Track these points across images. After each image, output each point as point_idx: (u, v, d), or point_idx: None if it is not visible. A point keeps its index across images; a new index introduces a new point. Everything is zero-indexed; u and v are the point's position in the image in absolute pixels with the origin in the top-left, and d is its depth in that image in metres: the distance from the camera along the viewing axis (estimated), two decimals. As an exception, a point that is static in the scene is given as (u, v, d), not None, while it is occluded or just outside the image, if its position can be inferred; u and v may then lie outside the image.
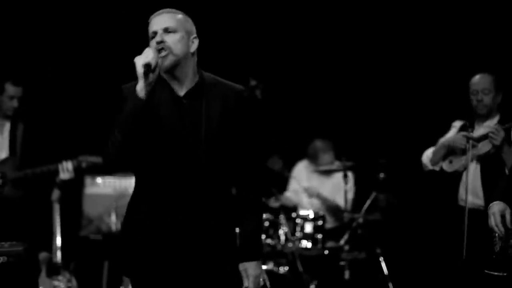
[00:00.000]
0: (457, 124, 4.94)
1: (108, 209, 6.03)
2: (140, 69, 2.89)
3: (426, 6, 6.55)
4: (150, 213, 3.00)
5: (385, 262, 5.91)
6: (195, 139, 2.98)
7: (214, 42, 6.72)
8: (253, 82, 5.76)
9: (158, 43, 2.98)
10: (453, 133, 4.90)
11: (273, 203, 5.99)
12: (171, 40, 2.98)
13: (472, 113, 4.80)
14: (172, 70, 2.99)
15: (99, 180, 6.12)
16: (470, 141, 4.54)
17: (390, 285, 5.85)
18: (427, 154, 4.91)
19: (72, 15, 6.61)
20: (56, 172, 5.25)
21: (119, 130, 2.90)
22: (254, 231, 3.09)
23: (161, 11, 3.06)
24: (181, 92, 3.03)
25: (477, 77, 4.76)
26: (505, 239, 3.46)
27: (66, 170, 5.23)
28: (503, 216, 3.45)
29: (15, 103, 5.31)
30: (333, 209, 6.26)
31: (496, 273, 3.46)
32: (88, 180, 6.08)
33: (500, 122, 4.64)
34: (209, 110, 3.01)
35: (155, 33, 3.00)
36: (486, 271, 3.52)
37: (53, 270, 5.42)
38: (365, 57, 6.80)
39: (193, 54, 3.06)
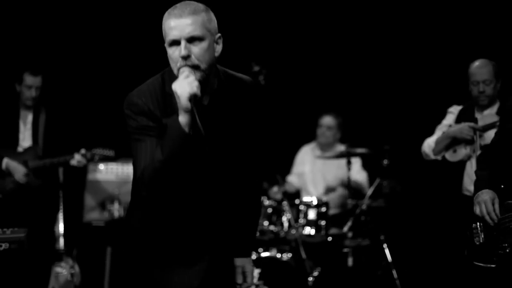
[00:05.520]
0: (453, 110, 4.88)
1: (111, 195, 6.03)
2: (185, 102, 2.44)
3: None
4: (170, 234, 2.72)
5: (389, 249, 5.89)
6: (224, 148, 2.70)
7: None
8: (256, 68, 5.69)
9: (185, 58, 2.51)
10: (450, 119, 4.84)
11: (275, 194, 5.95)
12: (199, 52, 2.53)
13: (470, 99, 4.75)
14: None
15: (101, 166, 6.10)
16: (477, 132, 4.49)
17: (394, 272, 5.82)
18: (428, 144, 4.84)
19: (98, 8, 6.56)
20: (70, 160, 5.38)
21: (160, 162, 2.50)
22: (253, 229, 2.95)
23: (180, 8, 2.54)
24: (204, 101, 2.63)
25: (477, 65, 4.66)
26: (489, 229, 3.34)
27: (80, 160, 5.36)
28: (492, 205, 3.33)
29: (33, 93, 5.39)
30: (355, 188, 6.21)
31: (483, 265, 3.38)
32: (90, 166, 6.05)
33: (499, 109, 4.57)
34: (233, 115, 2.69)
35: (176, 42, 2.53)
36: (475, 262, 3.43)
37: (56, 257, 5.44)
38: (368, 44, 6.75)
39: (217, 58, 2.64)
